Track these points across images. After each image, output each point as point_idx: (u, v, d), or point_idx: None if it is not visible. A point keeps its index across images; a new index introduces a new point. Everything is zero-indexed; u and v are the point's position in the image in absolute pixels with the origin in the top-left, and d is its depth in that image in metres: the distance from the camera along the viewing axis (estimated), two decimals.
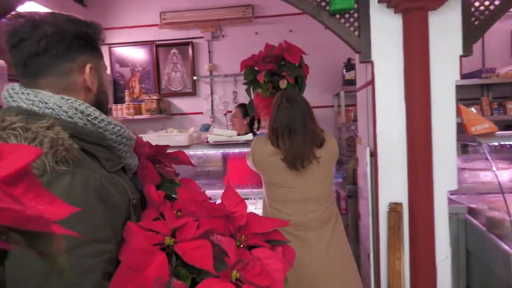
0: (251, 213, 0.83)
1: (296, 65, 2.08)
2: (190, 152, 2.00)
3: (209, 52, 4.22)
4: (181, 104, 4.32)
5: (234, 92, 4.13)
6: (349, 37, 1.85)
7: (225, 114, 4.16)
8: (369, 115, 1.92)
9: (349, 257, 1.58)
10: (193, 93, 4.25)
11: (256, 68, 2.09)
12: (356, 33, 1.85)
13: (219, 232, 0.70)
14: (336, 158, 1.61)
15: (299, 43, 4.06)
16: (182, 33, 4.25)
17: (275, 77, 2.06)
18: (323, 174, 1.55)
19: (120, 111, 4.12)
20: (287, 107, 1.54)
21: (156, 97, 4.08)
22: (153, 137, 1.94)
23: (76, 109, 0.68)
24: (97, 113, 0.71)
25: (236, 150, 2.13)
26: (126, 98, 4.18)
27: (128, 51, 4.34)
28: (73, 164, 0.61)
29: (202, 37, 4.20)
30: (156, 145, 1.08)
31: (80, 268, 0.56)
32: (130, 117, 4.09)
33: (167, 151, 1.19)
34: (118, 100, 4.31)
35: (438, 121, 1.78)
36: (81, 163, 0.62)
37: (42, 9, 3.48)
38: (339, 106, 3.79)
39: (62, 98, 0.68)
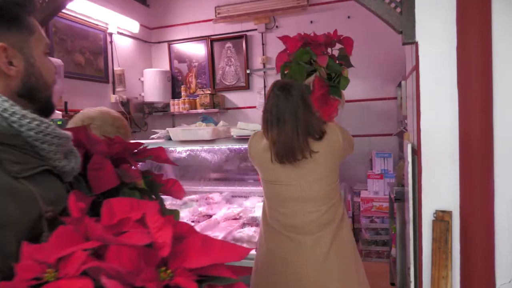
0: (198, 237, 0.64)
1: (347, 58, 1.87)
2: (215, 146, 1.92)
3: (263, 44, 4.12)
4: (234, 98, 4.29)
5: None
6: (389, 15, 1.59)
7: None
8: (413, 105, 1.64)
9: (353, 269, 1.36)
10: (246, 87, 4.19)
11: None
12: (398, 9, 1.58)
13: (117, 269, 0.53)
14: (339, 153, 1.39)
15: (358, 30, 3.76)
16: (236, 26, 4.21)
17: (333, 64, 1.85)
18: (322, 170, 1.35)
19: (177, 106, 4.25)
20: (277, 95, 1.37)
21: (209, 92, 4.10)
22: (177, 131, 1.90)
23: None
24: (6, 104, 0.60)
25: None
26: (182, 93, 4.29)
27: (185, 47, 4.44)
28: None
29: (255, 29, 4.11)
30: (125, 141, 1.00)
31: None
32: (185, 111, 4.19)
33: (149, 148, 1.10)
34: (176, 95, 4.44)
35: (502, 114, 1.45)
36: None
37: (105, 10, 3.69)
38: (402, 98, 3.40)
39: None
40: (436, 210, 1.54)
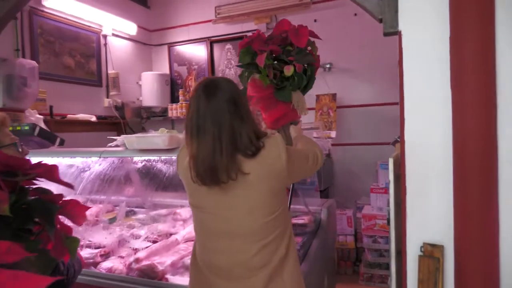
0: None
1: (307, 51, 1.58)
2: (173, 157, 1.68)
3: None
4: None
5: None
6: (367, 0, 1.30)
7: None
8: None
9: None
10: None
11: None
12: None
13: None
14: (282, 175, 1.06)
15: (365, 28, 3.44)
16: (236, 27, 4.00)
17: (280, 61, 1.59)
18: (256, 198, 1.04)
19: (175, 111, 4.08)
20: (199, 96, 1.07)
21: None
22: (132, 139, 1.67)
23: None
24: None
25: None
26: (180, 98, 4.11)
27: (185, 49, 4.27)
28: None
29: (256, 30, 3.86)
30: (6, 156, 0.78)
31: None
32: (182, 116, 4.01)
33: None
34: (175, 99, 4.26)
35: (509, 121, 1.12)
36: None
37: (98, 11, 3.57)
38: None
39: None
40: (424, 243, 1.22)
